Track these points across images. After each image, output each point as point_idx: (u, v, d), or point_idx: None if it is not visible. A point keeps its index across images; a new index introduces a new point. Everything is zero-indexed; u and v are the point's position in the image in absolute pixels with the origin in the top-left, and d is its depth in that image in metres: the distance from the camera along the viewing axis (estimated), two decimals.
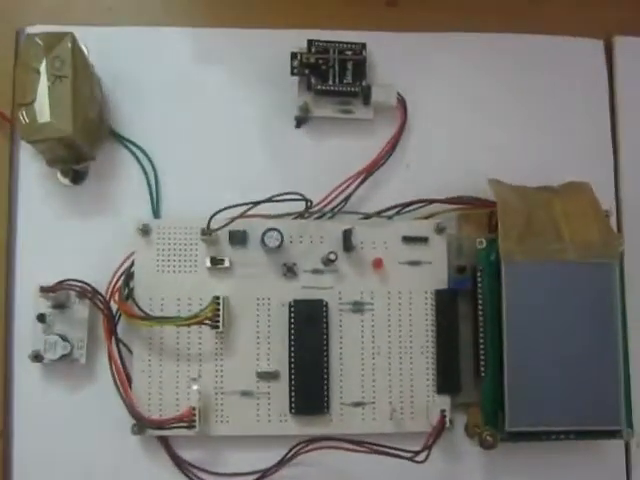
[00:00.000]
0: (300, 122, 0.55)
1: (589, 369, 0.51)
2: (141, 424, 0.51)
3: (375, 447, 0.50)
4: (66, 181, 0.54)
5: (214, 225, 0.51)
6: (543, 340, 0.51)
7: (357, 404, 0.52)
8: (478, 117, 0.57)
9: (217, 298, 0.51)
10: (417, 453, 0.50)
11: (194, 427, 0.50)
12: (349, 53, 0.54)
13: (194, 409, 0.50)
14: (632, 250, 0.55)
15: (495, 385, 0.51)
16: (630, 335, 0.54)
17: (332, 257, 0.52)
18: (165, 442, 0.52)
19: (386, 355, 0.53)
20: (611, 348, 0.52)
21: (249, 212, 0.51)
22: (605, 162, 0.58)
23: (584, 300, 0.52)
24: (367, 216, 0.54)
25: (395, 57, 0.57)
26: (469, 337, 0.53)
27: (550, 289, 0.52)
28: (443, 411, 0.52)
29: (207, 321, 0.50)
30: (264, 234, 0.52)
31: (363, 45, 0.55)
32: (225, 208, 0.50)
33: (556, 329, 0.51)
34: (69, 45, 0.50)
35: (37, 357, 0.51)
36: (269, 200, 0.51)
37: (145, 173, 0.54)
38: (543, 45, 0.58)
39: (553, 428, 0.51)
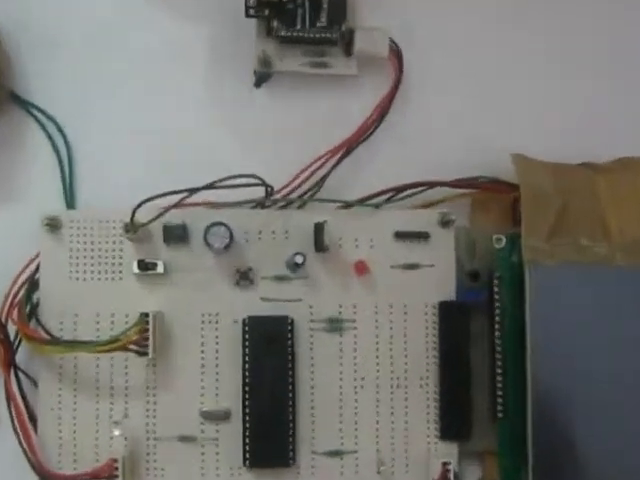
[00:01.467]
0: (260, 79, 0.46)
1: None
2: None
3: None
4: None
5: (142, 218, 0.42)
6: (581, 370, 0.43)
7: (334, 453, 0.44)
8: (497, 72, 0.49)
9: (145, 315, 0.42)
10: None
11: None
12: None
13: (116, 461, 0.42)
14: None
15: (517, 430, 0.43)
16: None
17: (299, 260, 0.44)
18: None
19: (373, 388, 0.45)
20: None
21: (190, 201, 0.42)
22: None
23: (638, 316, 0.43)
24: (348, 205, 0.46)
25: None
26: (484, 365, 0.45)
27: (591, 302, 0.43)
28: (447, 464, 0.44)
29: (132, 346, 0.42)
30: (207, 230, 0.43)
31: None
32: (155, 197, 0.41)
33: (599, 354, 0.43)
34: None
35: None
36: (211, 186, 0.41)
37: (56, 150, 0.46)
38: None
39: None
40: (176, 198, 0.41)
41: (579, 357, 0.43)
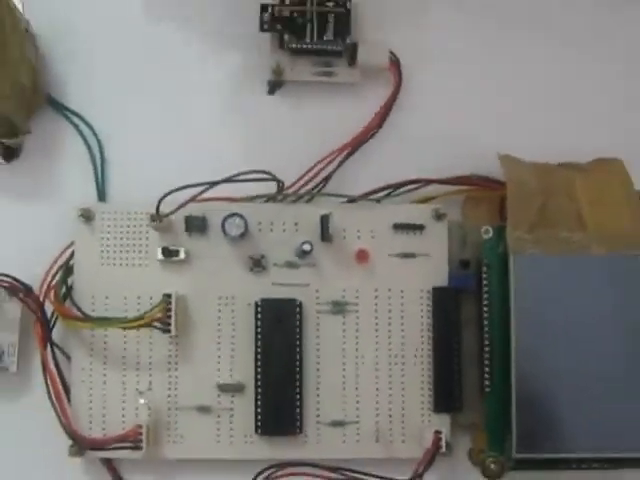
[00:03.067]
0: (273, 87, 0.49)
1: (618, 383, 0.46)
2: (79, 444, 0.45)
3: (355, 475, 0.45)
4: None
5: (166, 210, 0.45)
6: (560, 348, 0.46)
7: (337, 423, 0.47)
8: (489, 80, 0.51)
9: (168, 296, 0.45)
10: None
11: (141, 448, 0.45)
12: (330, 4, 0.49)
13: (141, 427, 0.45)
14: None
15: (501, 402, 0.46)
16: None
17: (307, 248, 0.47)
18: (110, 465, 0.47)
19: (372, 365, 0.47)
20: None
21: (211, 195, 0.45)
22: None
23: (611, 300, 0.46)
24: (351, 199, 0.49)
25: (387, 10, 0.51)
26: (473, 344, 0.48)
27: (569, 288, 0.46)
28: (439, 433, 0.46)
29: (156, 323, 0.45)
30: (225, 220, 0.46)
31: None
32: (177, 189, 0.44)
33: (577, 335, 0.46)
34: None
35: None
36: (229, 180, 0.45)
37: (89, 149, 0.49)
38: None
39: (571, 455, 0.46)
40: (197, 191, 0.44)
41: (558, 336, 0.45)
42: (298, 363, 0.46)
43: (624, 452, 0.45)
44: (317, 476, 0.45)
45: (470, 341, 0.47)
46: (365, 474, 0.45)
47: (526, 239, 0.45)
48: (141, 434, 0.45)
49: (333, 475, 0.45)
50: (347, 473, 0.45)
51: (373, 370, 0.47)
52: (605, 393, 0.45)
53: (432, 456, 0.45)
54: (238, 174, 0.44)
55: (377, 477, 0.44)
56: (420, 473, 0.44)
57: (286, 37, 0.48)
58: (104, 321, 0.45)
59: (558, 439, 0.45)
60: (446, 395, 0.47)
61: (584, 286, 0.45)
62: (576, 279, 0.45)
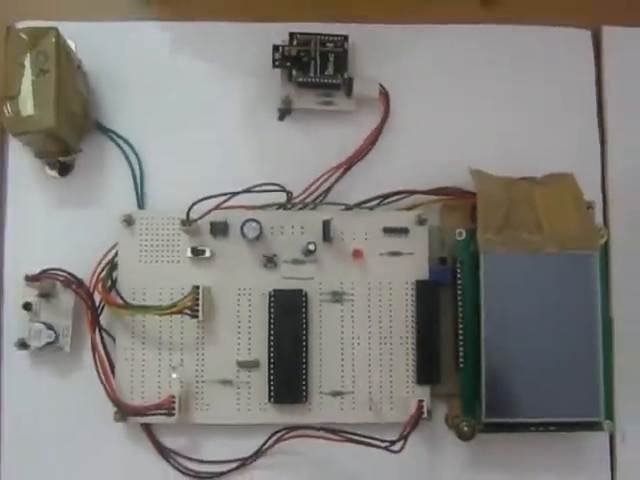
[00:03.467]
0: (283, 114, 0.55)
1: (568, 360, 0.51)
2: (122, 411, 0.52)
3: (351, 436, 0.51)
4: (53, 173, 0.55)
5: (194, 216, 0.52)
6: (522, 331, 0.51)
7: (336, 393, 0.53)
8: (462, 109, 0.57)
9: (197, 288, 0.51)
10: (393, 443, 0.50)
11: (173, 415, 0.51)
12: (330, 45, 0.54)
13: (173, 397, 0.51)
14: (618, 241, 0.56)
15: (473, 376, 0.52)
16: (615, 326, 0.54)
17: (311, 247, 0.52)
18: (148, 430, 0.53)
19: (366, 345, 0.53)
20: (590, 339, 0.51)
21: (232, 204, 0.52)
22: (592, 153, 0.57)
23: (563, 292, 0.52)
24: (348, 207, 0.54)
25: (378, 49, 0.57)
26: (450, 328, 0.53)
27: (529, 281, 0.52)
28: (421, 401, 0.52)
29: (187, 310, 0.51)
30: (243, 225, 0.52)
31: (345, 37, 0.55)
32: (203, 199, 0.51)
33: (535, 321, 0.51)
34: (53, 40, 0.51)
35: (22, 345, 0.52)
36: (247, 191, 0.51)
37: (130, 165, 0.55)
38: (530, 35, 0.58)
39: (531, 420, 0.51)
40: (220, 200, 0.50)
41: (519, 322, 0.51)
42: (304, 343, 0.52)
43: (573, 417, 0.51)
44: (319, 437, 0.51)
45: (447, 325, 0.53)
46: (359, 435, 0.50)
47: (494, 240, 0.51)
48: (174, 403, 0.51)
49: (332, 436, 0.51)
50: (343, 434, 0.51)
51: (366, 349, 0.52)
52: (555, 370, 0.50)
53: (416, 420, 0.51)
54: (254, 186, 0.51)
55: (369, 437, 0.50)
56: (405, 435, 0.50)
57: (294, 72, 0.54)
58: (143, 309, 0.52)
59: (519, 406, 0.51)
60: (427, 370, 0.52)
61: (540, 280, 0.51)
62: (534, 274, 0.51)
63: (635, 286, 0.56)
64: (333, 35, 0.55)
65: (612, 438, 0.55)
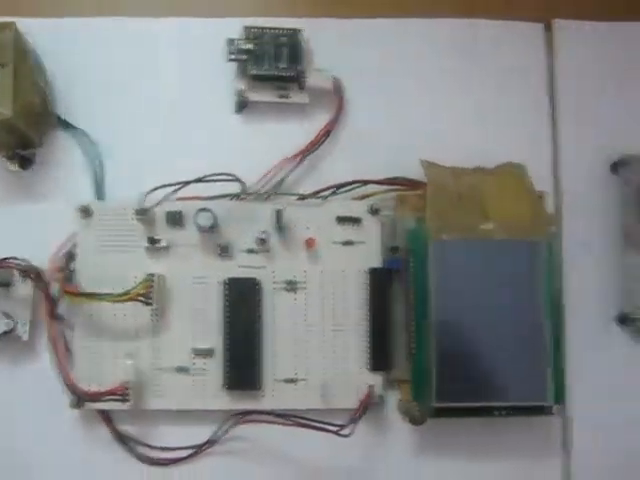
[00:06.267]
0: (240, 107, 0.56)
1: (517, 346, 0.52)
2: (78, 397, 0.53)
3: (301, 421, 0.52)
4: (14, 166, 0.56)
5: (150, 206, 0.53)
6: (471, 317, 0.52)
7: (289, 380, 0.54)
8: (416, 101, 0.58)
9: (151, 275, 0.52)
10: (342, 427, 0.51)
11: (128, 401, 0.52)
12: (284, 39, 0.56)
13: (127, 383, 0.52)
14: (569, 230, 0.57)
15: (424, 362, 0.52)
16: (566, 312, 0.56)
17: (263, 236, 0.53)
18: (105, 417, 0.54)
19: (319, 333, 0.54)
20: (538, 325, 0.52)
21: (187, 195, 0.53)
22: (544, 144, 0.58)
23: (511, 278, 0.53)
24: (302, 197, 0.55)
25: (333, 43, 0.58)
26: (402, 316, 0.54)
27: (477, 267, 0.53)
28: (371, 386, 0.53)
29: (140, 298, 0.52)
30: (196, 214, 0.53)
31: (298, 31, 0.56)
32: (156, 188, 0.52)
33: (484, 307, 0.52)
34: (11, 34, 0.52)
35: None
36: (199, 180, 0.53)
37: (89, 158, 0.56)
38: (482, 29, 0.59)
39: (480, 404, 0.52)
40: (173, 189, 0.52)
41: (468, 307, 0.52)
42: (258, 331, 0.53)
43: (521, 401, 0.52)
44: (271, 422, 0.52)
45: (400, 312, 0.54)
46: (309, 419, 0.51)
47: (442, 228, 0.52)
48: (128, 389, 0.51)
49: (283, 421, 0.52)
50: (295, 419, 0.52)
51: (320, 337, 0.53)
52: (505, 355, 0.52)
53: (364, 406, 0.52)
54: (208, 176, 0.52)
55: (319, 422, 0.51)
56: (355, 419, 0.51)
57: (248, 66, 0.55)
58: (97, 296, 0.52)
59: (469, 391, 0.52)
60: (379, 357, 0.53)
61: (489, 266, 0.52)
62: (483, 261, 0.52)
63: (586, 273, 0.57)
64: (287, 29, 0.56)
65: (565, 422, 0.56)
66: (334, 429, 0.51)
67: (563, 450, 0.56)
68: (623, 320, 0.57)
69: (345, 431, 0.51)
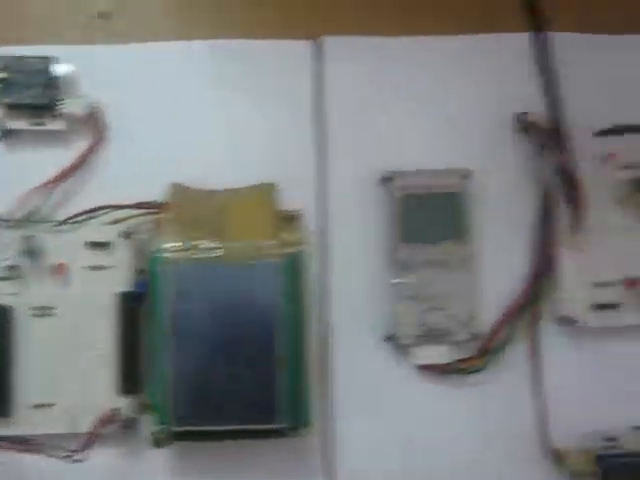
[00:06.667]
0: (4, 135, 0.57)
1: (247, 369, 0.52)
2: None
3: (27, 447, 0.52)
4: None
5: None
6: (205, 341, 0.52)
7: (39, 406, 0.54)
8: (179, 126, 0.59)
9: None
10: (74, 452, 0.51)
11: None
12: (39, 67, 0.56)
13: None
14: (337, 248, 0.58)
15: (164, 385, 0.52)
16: (335, 332, 0.56)
17: (7, 263, 0.54)
18: None
19: (69, 358, 0.54)
20: (271, 348, 0.52)
21: None
22: (310, 163, 0.58)
23: (243, 300, 0.52)
24: (56, 224, 0.55)
25: (95, 70, 0.58)
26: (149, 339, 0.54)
27: (213, 290, 0.52)
28: (114, 410, 0.53)
29: None
30: None
31: (54, 59, 0.57)
32: None
33: (219, 329, 0.52)
34: None
35: None
36: None
37: None
38: (246, 49, 0.59)
39: (214, 428, 0.52)
40: None
41: (204, 330, 0.51)
42: (10, 359, 0.53)
43: (252, 425, 0.51)
44: (10, 449, 0.53)
45: (147, 336, 0.53)
46: (39, 444, 0.52)
47: (176, 250, 0.51)
48: None
49: (15, 446, 0.53)
50: (27, 445, 0.52)
51: (70, 362, 0.53)
52: (239, 379, 0.51)
53: (99, 429, 0.52)
54: None
55: (56, 447, 0.52)
56: (89, 443, 0.52)
57: (1, 94, 0.56)
58: None
59: (207, 415, 0.51)
60: (127, 380, 0.53)
61: (224, 289, 0.51)
62: (218, 283, 0.51)
63: (354, 291, 0.57)
64: (41, 57, 0.57)
65: (326, 443, 0.55)
66: (63, 454, 0.51)
67: (323, 472, 0.55)
68: (391, 339, 0.56)
69: (79, 456, 0.51)
